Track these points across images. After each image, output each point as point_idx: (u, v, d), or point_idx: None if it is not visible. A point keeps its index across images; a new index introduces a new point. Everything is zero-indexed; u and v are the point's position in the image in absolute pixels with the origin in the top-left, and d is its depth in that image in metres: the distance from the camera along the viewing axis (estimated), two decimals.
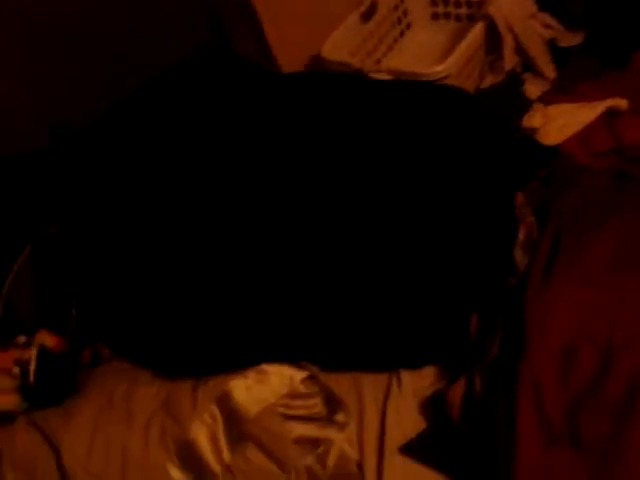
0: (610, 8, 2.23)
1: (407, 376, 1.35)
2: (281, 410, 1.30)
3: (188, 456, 1.29)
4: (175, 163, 1.44)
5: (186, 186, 1.40)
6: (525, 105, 2.13)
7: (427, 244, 1.31)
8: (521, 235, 1.31)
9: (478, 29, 2.09)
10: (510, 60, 2.17)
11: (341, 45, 2.08)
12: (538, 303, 1.16)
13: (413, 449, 1.22)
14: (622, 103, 2.08)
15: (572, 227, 1.29)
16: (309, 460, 1.24)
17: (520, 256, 1.28)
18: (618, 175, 1.56)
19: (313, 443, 1.25)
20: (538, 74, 2.22)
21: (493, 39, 2.14)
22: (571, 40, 2.27)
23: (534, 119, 2.06)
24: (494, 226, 1.32)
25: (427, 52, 2.34)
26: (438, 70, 1.91)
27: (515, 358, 1.13)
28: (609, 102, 2.09)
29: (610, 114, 2.07)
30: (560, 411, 1.07)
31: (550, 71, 2.23)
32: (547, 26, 2.22)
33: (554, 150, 1.99)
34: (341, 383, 1.38)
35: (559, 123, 2.04)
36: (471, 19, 2.26)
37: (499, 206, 1.38)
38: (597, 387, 1.08)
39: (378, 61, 2.21)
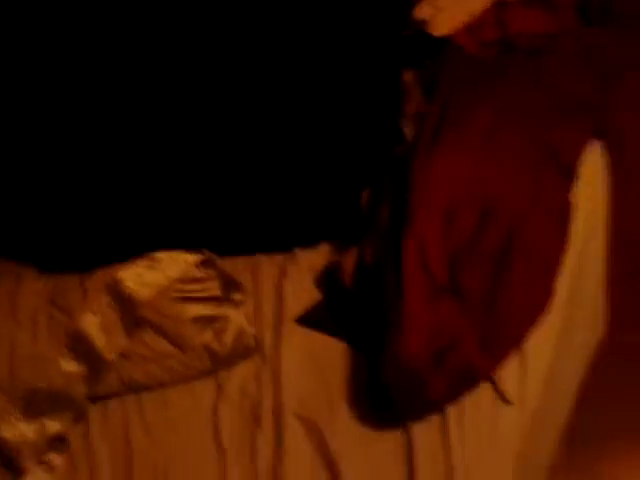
0: None
1: (302, 254, 1.36)
2: (176, 294, 1.28)
3: (79, 347, 1.26)
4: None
5: (70, 60, 1.29)
6: None
7: (314, 120, 1.30)
8: (409, 108, 1.32)
9: None
10: None
11: None
12: (422, 169, 1.19)
13: (309, 319, 1.25)
14: None
15: (457, 97, 1.31)
16: (206, 337, 1.23)
17: (408, 127, 1.30)
18: (502, 47, 1.58)
19: (209, 321, 1.25)
20: None
21: None
22: None
23: (423, 10, 2.06)
24: (379, 99, 1.32)
25: None
26: None
27: (402, 222, 1.16)
28: None
29: (499, 4, 2.11)
30: (443, 266, 1.12)
31: None
32: None
33: (443, 41, 2.01)
34: (238, 266, 1.37)
35: (449, 13, 2.05)
36: None
37: (384, 81, 1.38)
38: (475, 242, 1.13)
39: None
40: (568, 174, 1.22)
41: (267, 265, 1.36)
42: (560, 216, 1.17)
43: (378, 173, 1.30)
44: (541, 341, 1.14)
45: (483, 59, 1.58)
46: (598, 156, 1.32)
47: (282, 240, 1.39)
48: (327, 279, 1.28)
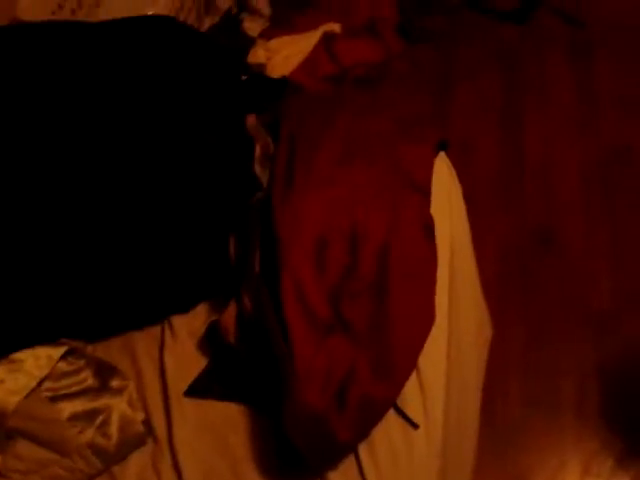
0: None
1: (179, 321, 1.28)
2: (46, 394, 1.15)
3: None
4: None
5: None
6: (248, 43, 2.15)
7: (169, 182, 1.24)
8: (257, 151, 1.30)
9: None
10: (224, 0, 2.16)
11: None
12: (285, 208, 1.17)
13: (197, 389, 1.16)
14: (335, 27, 2.20)
15: (303, 135, 1.31)
16: (88, 435, 1.11)
17: (260, 171, 1.27)
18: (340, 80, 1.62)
19: (89, 416, 1.13)
20: (255, 12, 2.25)
21: None
22: None
23: (258, 54, 2.08)
24: (228, 148, 1.28)
25: None
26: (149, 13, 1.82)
27: (275, 266, 1.13)
28: (324, 27, 2.19)
29: (327, 39, 2.18)
30: (323, 302, 1.09)
31: (265, 7, 2.26)
32: None
33: (283, 81, 2.04)
34: (111, 348, 1.27)
35: (282, 55, 2.09)
36: None
37: (232, 131, 1.35)
38: (351, 273, 1.12)
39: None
40: (424, 191, 1.25)
41: (143, 341, 1.27)
42: (427, 232, 1.18)
43: (241, 222, 1.26)
44: (432, 357, 1.14)
45: (322, 93, 1.60)
46: (445, 166, 1.37)
47: (155, 311, 1.31)
48: (209, 341, 1.22)
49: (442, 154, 1.39)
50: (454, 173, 1.41)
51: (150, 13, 1.81)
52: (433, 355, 1.14)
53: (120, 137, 1.27)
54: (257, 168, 1.26)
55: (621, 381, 1.60)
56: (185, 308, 1.31)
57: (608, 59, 2.08)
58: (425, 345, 1.10)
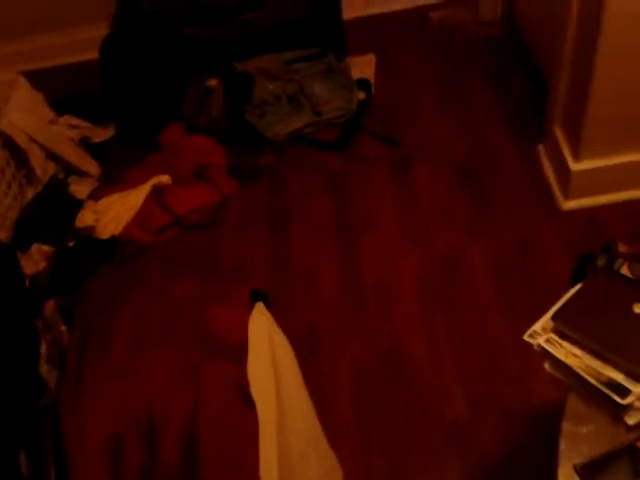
0: (133, 100, 2.38)
1: None
2: None
3: None
4: None
5: None
6: (76, 207, 2.13)
7: None
8: (44, 349, 1.22)
9: None
10: (42, 169, 2.14)
11: None
12: (71, 411, 1.09)
13: None
14: (164, 178, 2.23)
15: (95, 318, 1.25)
16: None
17: (47, 370, 1.19)
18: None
19: None
20: (82, 174, 2.25)
21: (18, 154, 2.09)
22: (104, 135, 2.37)
23: (86, 218, 2.06)
24: (10, 351, 1.19)
25: None
26: None
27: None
28: (153, 180, 2.22)
29: (158, 191, 2.20)
30: None
31: (93, 168, 2.28)
32: (74, 127, 2.27)
33: (113, 240, 2.02)
34: None
35: (112, 214, 2.08)
36: None
37: (14, 332, 1.26)
38: (154, 467, 1.04)
39: None
40: (238, 355, 1.21)
41: None
42: (244, 400, 1.13)
43: (30, 432, 1.16)
44: None
45: (117, 271, 1.56)
46: (263, 319, 1.36)
47: None
48: None
49: (259, 305, 1.38)
50: (274, 323, 1.40)
51: None
52: None
53: None
54: (44, 367, 1.19)
55: None
56: None
57: (425, 173, 2.23)
58: None
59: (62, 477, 1.04)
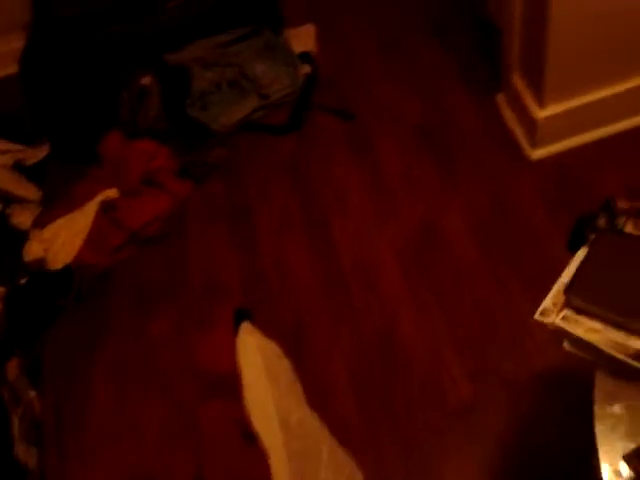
0: (63, 113, 2.19)
1: None
2: None
3: None
4: None
5: None
6: (22, 239, 1.96)
7: None
8: (16, 427, 1.08)
9: None
10: None
11: None
12: None
13: None
14: (111, 192, 2.06)
15: (66, 382, 1.13)
16: None
17: (24, 452, 1.06)
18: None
19: None
20: (22, 201, 2.07)
21: None
22: (37, 155, 2.18)
23: (33, 250, 1.90)
24: None
25: None
26: None
27: None
28: (100, 197, 2.05)
29: (107, 207, 2.05)
30: None
31: (32, 193, 2.10)
32: (4, 152, 2.09)
33: (67, 270, 1.86)
34: None
35: (61, 241, 1.92)
36: None
37: None
38: None
39: None
40: (232, 384, 1.11)
41: None
42: (245, 440, 1.04)
43: None
44: None
45: (80, 311, 1.42)
46: (250, 338, 1.26)
47: None
48: None
49: (245, 325, 1.28)
50: (263, 337, 1.30)
51: None
52: None
53: None
54: (20, 448, 1.05)
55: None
56: None
57: (386, 143, 2.13)
58: None
59: None
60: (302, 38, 2.42)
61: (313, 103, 2.26)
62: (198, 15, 2.20)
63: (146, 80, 2.16)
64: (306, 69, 2.33)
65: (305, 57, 2.36)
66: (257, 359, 1.19)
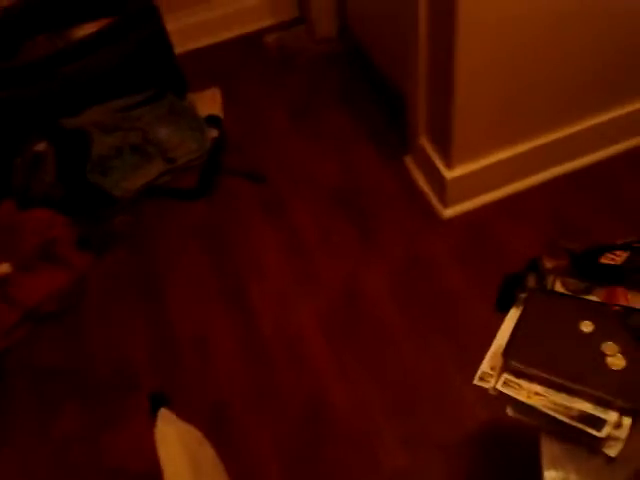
0: None
1: None
2: None
3: None
4: None
5: None
6: None
7: None
8: None
9: None
10: None
11: None
12: None
13: None
14: (4, 267, 1.87)
15: None
16: None
17: None
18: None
19: None
20: None
21: None
22: None
23: None
24: None
25: None
26: None
27: None
28: None
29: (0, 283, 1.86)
30: None
31: None
32: None
33: None
34: None
35: None
36: None
37: None
38: None
39: None
40: None
41: None
42: None
43: None
44: None
45: None
46: (169, 428, 1.13)
47: None
48: None
49: (163, 412, 1.15)
50: (183, 425, 1.18)
51: None
52: None
53: None
54: None
55: None
56: None
57: (300, 206, 2.09)
58: None
59: None
60: (207, 101, 2.37)
61: (222, 167, 2.20)
62: (95, 79, 2.10)
63: (40, 146, 2.02)
64: (214, 133, 2.28)
65: (212, 120, 2.31)
66: (178, 451, 1.06)
